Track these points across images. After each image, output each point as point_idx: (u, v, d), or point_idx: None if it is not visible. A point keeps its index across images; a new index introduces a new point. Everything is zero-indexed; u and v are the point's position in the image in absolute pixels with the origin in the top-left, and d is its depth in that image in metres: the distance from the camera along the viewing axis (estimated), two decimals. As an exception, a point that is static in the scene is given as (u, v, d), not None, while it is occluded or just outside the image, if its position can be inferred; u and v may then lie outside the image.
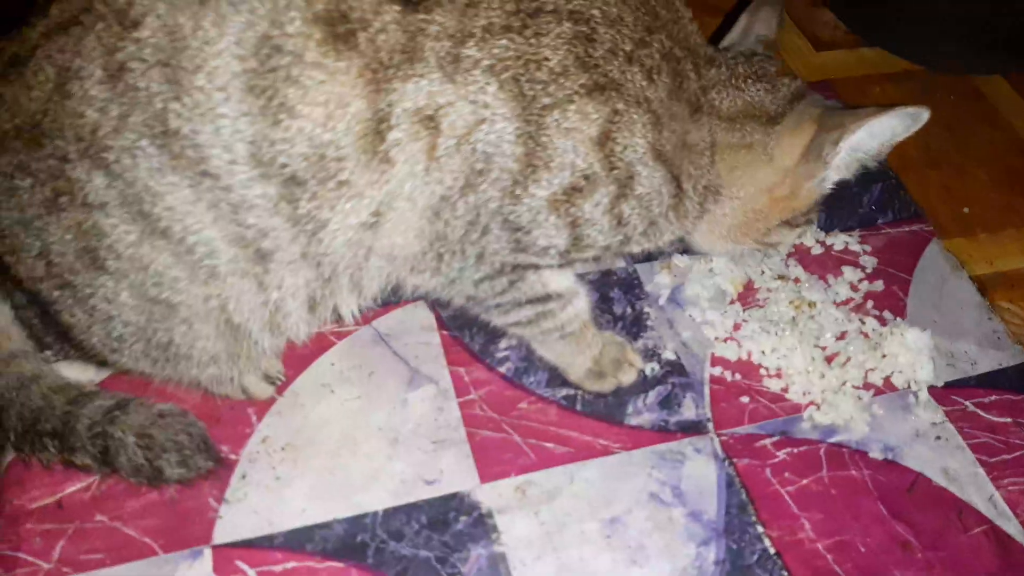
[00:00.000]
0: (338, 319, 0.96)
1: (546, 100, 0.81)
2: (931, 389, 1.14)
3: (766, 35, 1.04)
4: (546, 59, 0.81)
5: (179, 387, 0.98)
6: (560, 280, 0.99)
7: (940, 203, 1.40)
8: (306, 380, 1.06)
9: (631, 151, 0.86)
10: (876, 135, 0.92)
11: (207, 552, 0.91)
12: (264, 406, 1.03)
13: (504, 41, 0.80)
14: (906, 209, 1.37)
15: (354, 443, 1.01)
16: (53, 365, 1.00)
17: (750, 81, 0.96)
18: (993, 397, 1.14)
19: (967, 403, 1.13)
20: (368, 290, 0.93)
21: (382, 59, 0.77)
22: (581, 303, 1.03)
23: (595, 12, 0.84)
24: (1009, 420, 1.12)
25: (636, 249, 0.98)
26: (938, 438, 1.09)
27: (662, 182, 0.90)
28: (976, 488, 1.05)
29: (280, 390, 1.05)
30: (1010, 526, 1.02)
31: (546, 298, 0.97)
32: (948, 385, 1.15)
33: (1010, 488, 1.05)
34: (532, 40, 0.81)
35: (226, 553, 0.91)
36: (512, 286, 0.95)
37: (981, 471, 1.07)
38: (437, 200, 0.84)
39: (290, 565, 0.91)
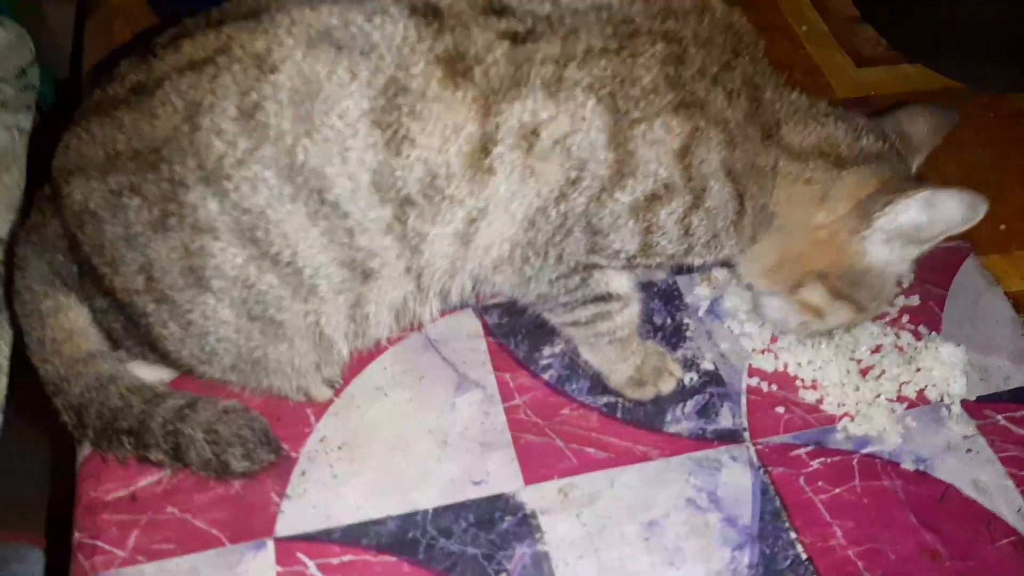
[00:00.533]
0: (419, 324, 1.04)
1: (636, 114, 0.89)
2: (964, 403, 1.17)
3: (905, 130, 1.06)
4: (640, 77, 0.88)
5: (249, 393, 1.04)
6: (622, 282, 1.05)
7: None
8: (361, 383, 1.12)
9: (707, 165, 0.92)
10: (930, 211, 0.94)
11: (270, 544, 0.97)
12: (322, 407, 1.09)
13: (603, 62, 0.88)
14: (943, 225, 1.39)
15: (406, 444, 1.07)
16: (127, 365, 1.06)
17: (832, 118, 1.00)
18: (1024, 412, 1.17)
19: (999, 417, 1.16)
20: (453, 296, 1.00)
21: (494, 87, 0.85)
22: (635, 309, 1.08)
23: (687, 33, 0.91)
24: (1041, 435, 1.15)
25: (696, 261, 1.02)
26: (969, 451, 1.12)
27: (729, 198, 0.95)
28: (1005, 500, 1.08)
29: (337, 392, 1.10)
30: (1038, 539, 1.05)
31: (608, 298, 1.03)
32: (980, 399, 1.18)
33: (1039, 502, 1.08)
34: (628, 60, 0.88)
35: (287, 545, 0.97)
36: (583, 283, 1.01)
37: (1011, 483, 1.09)
38: (534, 211, 0.92)
39: (347, 558, 0.97)
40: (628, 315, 1.07)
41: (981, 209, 0.93)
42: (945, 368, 1.18)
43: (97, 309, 1.00)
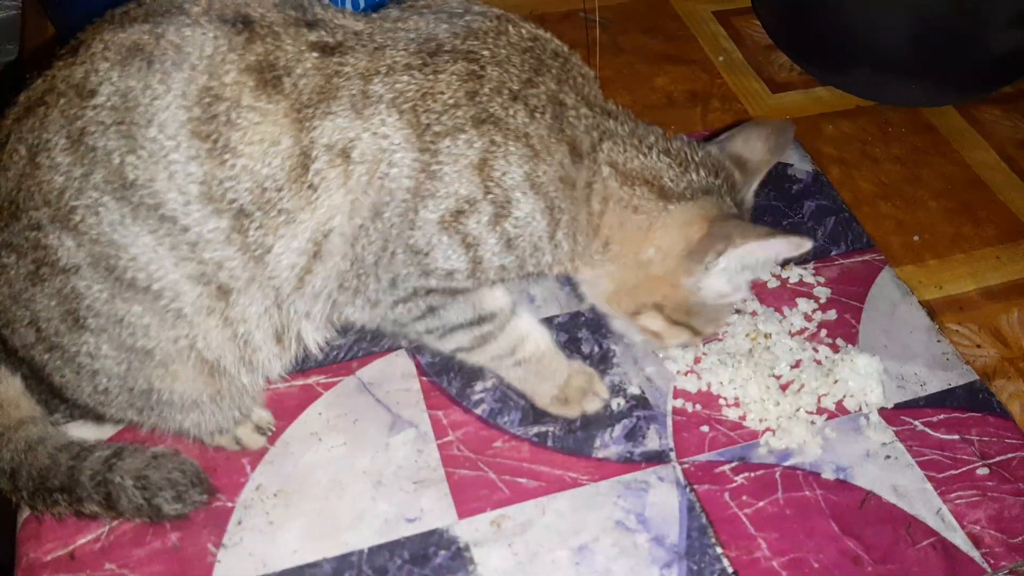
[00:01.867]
0: (306, 351, 1.06)
1: (438, 128, 0.92)
2: (881, 411, 1.21)
3: (741, 154, 1.08)
4: (441, 93, 0.92)
5: (175, 437, 1.07)
6: (494, 298, 1.07)
7: (892, 233, 1.48)
8: (295, 430, 1.15)
9: (509, 177, 0.95)
10: (760, 255, 0.99)
11: (207, 594, 0.99)
12: (257, 456, 1.12)
13: (405, 77, 0.92)
14: (858, 240, 1.45)
15: (341, 487, 1.09)
16: (63, 427, 1.09)
17: (656, 151, 1.01)
18: (941, 416, 1.22)
19: (916, 422, 1.21)
20: (319, 315, 1.01)
21: (304, 100, 0.89)
22: (523, 324, 1.11)
23: (485, 52, 0.95)
24: (956, 437, 1.19)
25: (531, 270, 1.03)
26: (888, 457, 1.17)
27: (537, 209, 0.97)
28: (924, 503, 1.12)
29: (272, 440, 1.13)
30: (956, 537, 1.09)
31: (479, 321, 1.05)
32: (898, 406, 1.22)
33: (956, 501, 1.12)
34: (430, 76, 0.93)
35: (224, 594, 0.99)
36: (432, 312, 1.03)
37: (929, 486, 1.14)
38: (356, 229, 0.94)
39: (283, 603, 0.99)
40: (519, 330, 1.10)
41: (805, 245, 0.96)
42: (861, 378, 1.22)
43: (24, 376, 1.03)
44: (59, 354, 0.96)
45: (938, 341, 1.31)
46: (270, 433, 1.14)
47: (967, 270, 1.44)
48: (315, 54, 0.90)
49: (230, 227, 0.90)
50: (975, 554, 1.07)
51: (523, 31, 1.00)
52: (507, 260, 1.00)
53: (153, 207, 0.87)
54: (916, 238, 1.48)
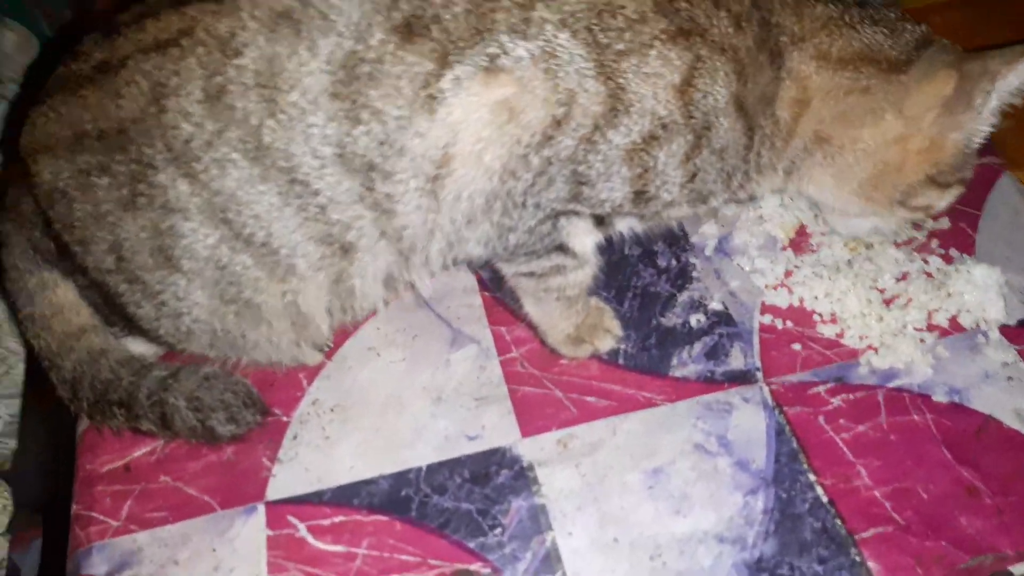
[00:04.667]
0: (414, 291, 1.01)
1: (621, 46, 0.82)
2: (1002, 328, 1.07)
3: None
4: (621, 7, 0.82)
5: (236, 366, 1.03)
6: (586, 243, 0.98)
7: (1011, 134, 1.29)
8: (353, 345, 1.09)
9: (712, 100, 0.85)
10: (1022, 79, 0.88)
11: (261, 508, 0.95)
12: (314, 371, 1.07)
13: None
14: (977, 142, 1.28)
15: (399, 403, 1.04)
16: (121, 340, 1.06)
17: (866, 24, 0.91)
18: (1075, 333, 1.07)
19: (1044, 340, 1.06)
20: (434, 260, 0.95)
21: (454, 39, 0.81)
22: (588, 272, 1.02)
23: None
24: (1093, 356, 1.04)
25: (716, 203, 0.96)
26: (1010, 378, 1.03)
27: (740, 134, 0.88)
28: (1053, 429, 0.99)
29: (329, 355, 1.08)
30: (1091, 468, 0.95)
31: (568, 252, 0.96)
32: (1022, 323, 1.08)
33: (1091, 428, 0.98)
34: None
35: (278, 509, 0.95)
36: (553, 228, 0.94)
37: (1058, 412, 1.00)
38: (514, 160, 0.85)
39: (338, 519, 0.94)
40: (581, 275, 1.01)
41: None
42: (979, 292, 1.08)
43: (80, 285, 1.00)
44: (140, 288, 0.93)
45: (1071, 252, 1.15)
46: (328, 349, 1.08)
47: (1103, 173, 1.25)
48: None
49: (361, 186, 0.85)
50: (1114, 486, 0.93)
51: None
52: (679, 195, 0.91)
53: (286, 170, 0.84)
54: (1042, 138, 1.29)
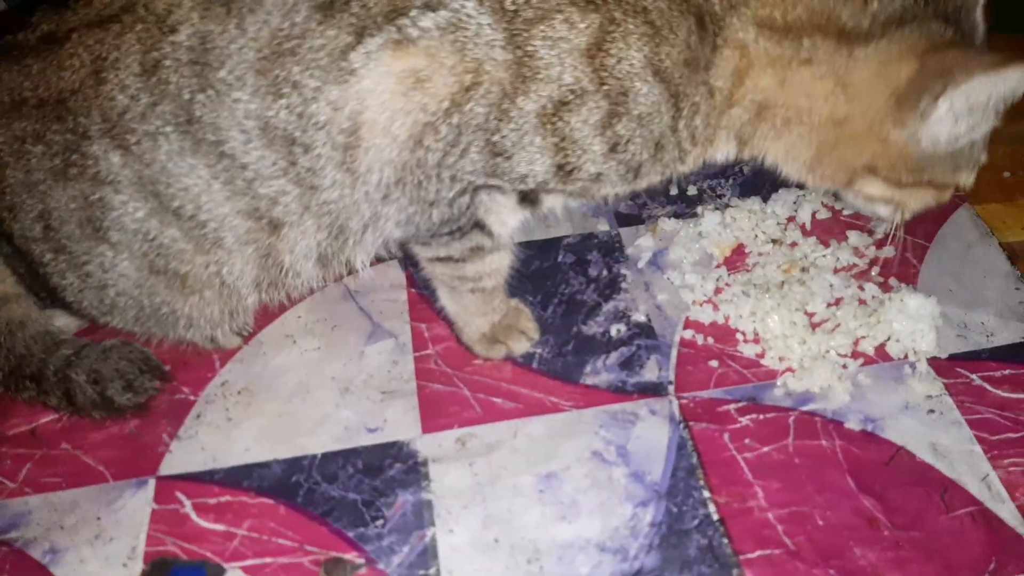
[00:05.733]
0: (351, 271, 1.00)
1: (529, 13, 0.80)
2: (932, 360, 1.04)
3: None
4: None
5: (156, 342, 1.04)
6: (507, 221, 0.96)
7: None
8: (272, 331, 1.10)
9: (627, 65, 0.81)
10: (993, 92, 0.78)
11: (151, 482, 0.96)
12: (229, 353, 1.08)
13: None
14: (936, 173, 1.25)
15: (307, 391, 1.04)
16: (50, 313, 1.08)
17: None
18: (1007, 371, 1.03)
19: (973, 376, 1.02)
20: (367, 241, 0.94)
21: (372, 15, 0.81)
22: (506, 260, 1.01)
23: None
24: (1023, 396, 1.00)
25: (650, 181, 0.92)
26: (931, 411, 0.99)
27: (661, 100, 0.84)
28: (969, 467, 0.94)
29: (247, 340, 1.09)
30: (1003, 509, 0.91)
31: (484, 232, 0.95)
32: (954, 357, 1.04)
33: (1010, 468, 0.94)
34: None
35: (168, 484, 0.96)
36: (473, 204, 0.92)
37: (978, 448, 0.96)
38: (420, 128, 0.85)
39: (224, 499, 0.94)
40: (498, 261, 0.99)
41: None
42: (912, 322, 1.05)
43: (4, 254, 1.02)
44: (66, 258, 0.95)
45: (1017, 288, 1.11)
46: (247, 334, 1.09)
47: (1066, 213, 1.21)
48: None
49: (284, 160, 0.86)
50: (1024, 530, 0.89)
51: None
52: (606, 167, 0.87)
53: (215, 143, 0.86)
54: (1007, 175, 1.26)
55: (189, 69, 0.84)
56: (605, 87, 0.82)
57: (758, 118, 0.88)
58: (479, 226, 0.94)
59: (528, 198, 0.94)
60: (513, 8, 0.81)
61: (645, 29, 0.81)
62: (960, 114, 0.81)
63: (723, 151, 0.93)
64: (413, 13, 0.81)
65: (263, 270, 0.96)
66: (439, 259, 0.98)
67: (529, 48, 0.81)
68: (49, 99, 0.88)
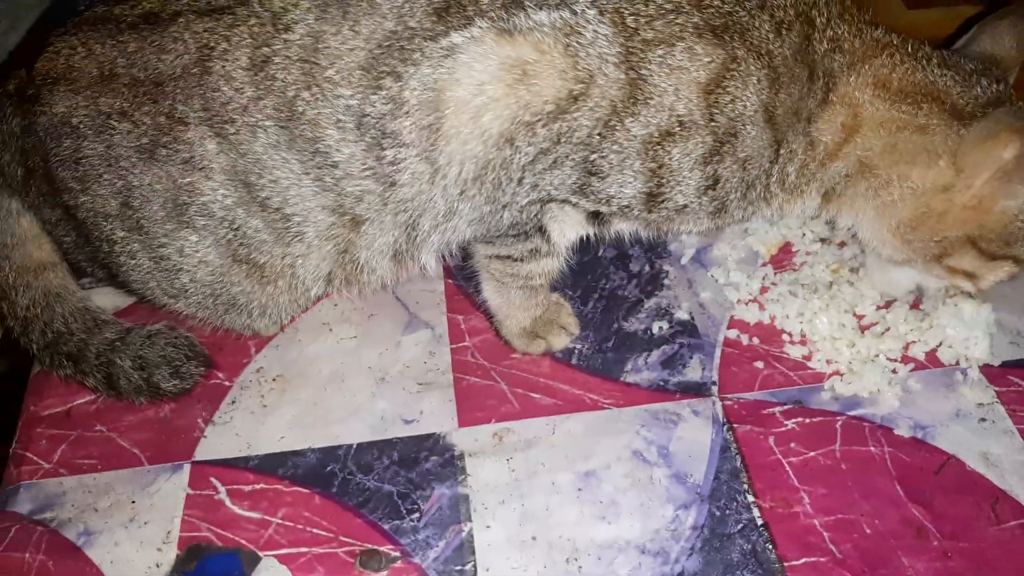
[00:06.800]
0: (424, 274, 1.01)
1: (649, 34, 0.80)
2: (984, 368, 1.01)
3: (992, 51, 0.93)
4: None
5: (202, 325, 1.03)
6: (569, 234, 0.96)
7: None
8: (307, 318, 1.09)
9: (741, 105, 0.82)
10: None
11: (186, 467, 0.95)
12: (265, 340, 1.07)
13: None
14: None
15: (341, 379, 1.03)
16: (87, 291, 1.07)
17: (934, 63, 0.88)
18: (1062, 381, 0.99)
19: (1027, 385, 0.99)
20: (436, 239, 0.94)
21: (483, 9, 0.81)
22: (556, 264, 1.00)
23: None
24: (1078, 407, 0.97)
25: (732, 219, 0.93)
26: (983, 420, 0.96)
27: (766, 146, 0.85)
28: (1020, 478, 0.92)
29: (282, 327, 1.08)
30: (1057, 523, 0.88)
31: (544, 237, 0.94)
32: (1007, 364, 1.01)
33: (1065, 481, 0.91)
34: None
35: (203, 469, 0.95)
36: (541, 211, 0.92)
37: (1031, 459, 0.93)
38: (516, 126, 0.84)
39: (259, 486, 0.93)
40: (551, 265, 0.99)
41: None
42: (965, 327, 1.02)
43: (46, 220, 1.00)
44: (140, 239, 0.94)
45: (1074, 296, 1.08)
46: (286, 322, 1.08)
47: None
48: None
49: (375, 158, 0.86)
50: (1079, 545, 0.86)
51: None
52: (696, 201, 0.88)
53: (311, 140, 0.86)
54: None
55: (298, 67, 0.84)
56: (714, 123, 0.82)
57: (858, 175, 0.90)
58: (540, 231, 0.93)
59: (599, 218, 0.93)
60: (634, 25, 0.80)
61: (767, 73, 0.82)
62: None
63: (808, 204, 0.94)
64: (528, 5, 0.80)
65: (339, 265, 0.96)
66: (499, 256, 0.97)
67: (644, 71, 0.80)
68: (145, 79, 0.87)
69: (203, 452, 0.96)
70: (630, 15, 0.80)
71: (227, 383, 1.03)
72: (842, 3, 0.88)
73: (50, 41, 0.92)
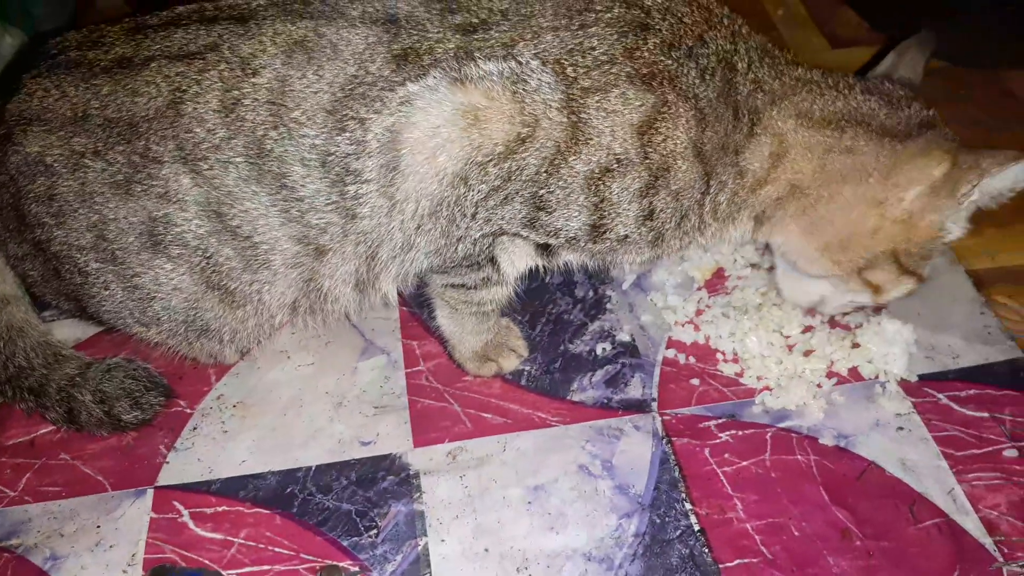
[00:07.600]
0: (385, 303, 1.04)
1: (586, 83, 0.87)
2: (902, 382, 1.09)
3: (910, 78, 1.01)
4: (592, 48, 0.88)
5: (168, 353, 1.07)
6: (518, 265, 1.01)
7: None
8: (266, 346, 1.13)
9: (672, 143, 0.89)
10: (1012, 181, 0.90)
11: (149, 492, 0.98)
12: (225, 368, 1.11)
13: (549, 36, 0.88)
14: (905, 203, 1.31)
15: (300, 404, 1.07)
16: (49, 325, 1.11)
17: (856, 91, 0.95)
18: (971, 391, 1.08)
19: (940, 395, 1.07)
20: (395, 270, 0.98)
21: (439, 61, 0.87)
22: (506, 292, 1.05)
23: (648, 3, 0.90)
24: (985, 415, 1.05)
25: (669, 248, 0.98)
26: (900, 428, 1.04)
27: (697, 178, 0.92)
28: (935, 480, 0.99)
29: (243, 354, 1.12)
30: (968, 521, 0.96)
31: (496, 267, 1.00)
32: (922, 377, 1.09)
33: (974, 483, 0.99)
34: (578, 32, 0.88)
35: (166, 494, 0.98)
36: (493, 244, 0.98)
37: (944, 463, 1.01)
38: (468, 166, 0.89)
39: (221, 508, 0.97)
40: (502, 292, 1.04)
41: None
42: (886, 345, 1.10)
43: (12, 255, 1.03)
44: (115, 269, 0.97)
45: (981, 313, 1.17)
46: (253, 348, 1.12)
47: (1028, 243, 1.27)
48: (458, 35, 0.89)
49: (338, 194, 0.91)
50: (987, 541, 0.94)
51: None
52: (635, 232, 0.94)
53: (278, 175, 0.91)
54: (973, 206, 1.32)
55: (266, 108, 0.89)
56: (648, 160, 0.89)
57: (790, 197, 0.96)
58: (492, 262, 0.99)
59: (547, 249, 0.99)
60: (574, 75, 0.87)
61: (694, 114, 0.89)
62: (983, 201, 0.93)
63: (740, 230, 1.00)
64: (478, 57, 0.87)
65: (303, 294, 1.00)
66: (453, 285, 1.03)
67: (583, 115, 0.87)
68: (119, 120, 0.92)
69: (166, 477, 1.00)
70: (569, 65, 0.87)
71: (188, 410, 1.06)
72: (764, 48, 0.96)
73: (24, 83, 0.96)
